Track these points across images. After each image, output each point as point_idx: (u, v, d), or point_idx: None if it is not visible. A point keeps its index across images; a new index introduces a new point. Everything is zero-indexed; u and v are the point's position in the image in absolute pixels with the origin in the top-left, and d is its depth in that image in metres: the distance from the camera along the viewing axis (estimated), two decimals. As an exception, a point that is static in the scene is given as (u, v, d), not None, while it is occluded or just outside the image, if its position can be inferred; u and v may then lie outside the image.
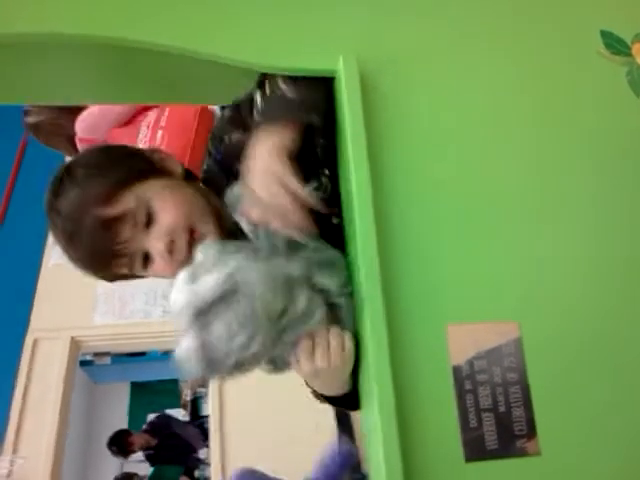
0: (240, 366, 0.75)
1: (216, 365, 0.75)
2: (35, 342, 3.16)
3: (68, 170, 0.87)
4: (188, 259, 0.83)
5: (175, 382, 5.26)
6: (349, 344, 0.79)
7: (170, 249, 0.85)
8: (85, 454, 5.00)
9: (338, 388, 0.85)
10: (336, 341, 0.78)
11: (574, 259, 0.88)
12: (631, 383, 0.84)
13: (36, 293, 3.34)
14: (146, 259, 0.87)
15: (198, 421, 4.40)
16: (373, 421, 0.76)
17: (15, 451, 2.84)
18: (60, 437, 2.96)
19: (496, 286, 0.84)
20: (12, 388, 3.00)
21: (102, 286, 3.36)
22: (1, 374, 3.05)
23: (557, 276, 0.86)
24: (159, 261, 0.87)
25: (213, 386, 3.12)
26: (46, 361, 3.12)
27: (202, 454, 4.03)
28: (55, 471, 2.86)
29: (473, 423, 0.78)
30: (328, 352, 0.78)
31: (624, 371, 0.84)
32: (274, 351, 0.78)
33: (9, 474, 2.78)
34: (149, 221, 0.86)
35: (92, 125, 1.85)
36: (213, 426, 3.00)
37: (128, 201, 0.84)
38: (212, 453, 2.96)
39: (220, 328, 0.73)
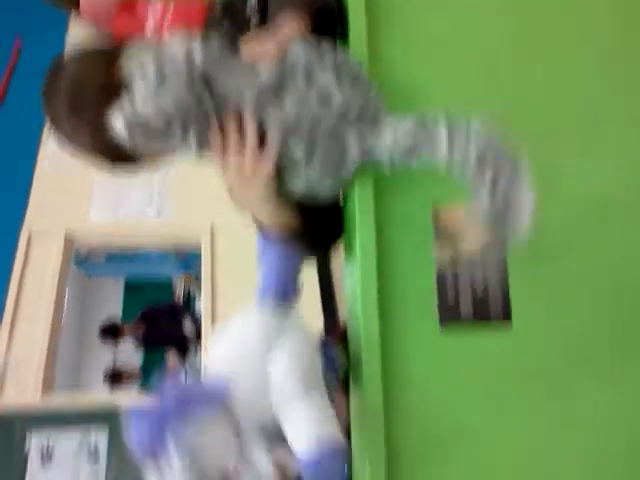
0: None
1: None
2: (30, 236, 3.21)
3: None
4: None
5: (168, 280, 5.39)
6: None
7: None
8: (79, 346, 5.16)
9: (262, 211, 0.88)
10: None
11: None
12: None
13: (32, 188, 3.35)
14: None
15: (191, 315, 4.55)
16: (354, 279, 0.82)
17: (11, 338, 2.97)
18: (55, 325, 3.07)
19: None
20: (7, 280, 3.09)
21: (98, 183, 3.38)
22: (-1, 265, 3.12)
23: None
24: None
25: (206, 284, 3.20)
26: (41, 255, 3.17)
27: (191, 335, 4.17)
28: (50, 358, 2.99)
29: (451, 294, 0.84)
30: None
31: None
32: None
33: (6, 361, 2.92)
34: None
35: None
36: (205, 324, 3.12)
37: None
38: (204, 347, 3.09)
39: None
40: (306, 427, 0.67)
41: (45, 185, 3.37)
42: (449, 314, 0.84)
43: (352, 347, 0.85)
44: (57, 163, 3.42)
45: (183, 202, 3.39)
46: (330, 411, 0.71)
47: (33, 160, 3.44)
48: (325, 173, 0.80)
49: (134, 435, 0.66)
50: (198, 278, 3.75)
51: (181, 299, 5.00)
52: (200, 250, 3.31)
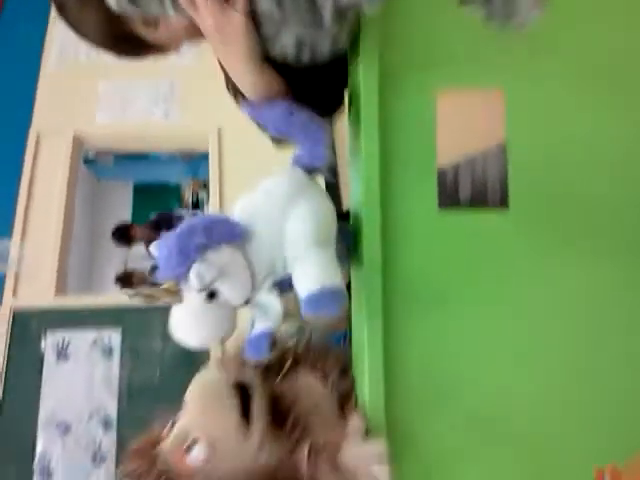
0: None
1: None
2: (38, 137, 3.18)
3: None
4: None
5: (177, 186, 5.39)
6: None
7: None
8: (91, 246, 5.24)
9: (248, 76, 0.86)
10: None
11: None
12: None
13: (38, 89, 3.30)
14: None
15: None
16: (358, 160, 0.83)
17: (24, 236, 3.00)
18: (66, 225, 3.10)
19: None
20: (18, 181, 3.09)
21: (104, 84, 3.32)
22: (6, 168, 3.11)
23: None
24: None
25: (214, 188, 3.20)
26: (50, 156, 3.17)
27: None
28: (62, 256, 3.03)
29: (450, 176, 0.84)
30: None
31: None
32: None
33: (20, 256, 2.96)
34: None
35: None
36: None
37: None
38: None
39: None
40: (311, 269, 0.69)
41: (51, 86, 3.32)
42: (448, 199, 0.84)
43: (353, 225, 0.86)
44: (62, 62, 3.35)
45: (191, 105, 3.33)
46: (337, 265, 0.73)
47: (38, 59, 3.36)
48: (301, 24, 0.78)
49: (161, 252, 0.67)
50: (206, 184, 3.74)
51: (190, 205, 5.01)
52: (208, 153, 3.28)
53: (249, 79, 0.87)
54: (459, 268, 0.84)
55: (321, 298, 0.68)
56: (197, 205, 4.99)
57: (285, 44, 0.82)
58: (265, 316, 0.72)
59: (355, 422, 0.76)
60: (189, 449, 0.71)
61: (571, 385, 0.84)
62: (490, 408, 0.83)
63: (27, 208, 3.05)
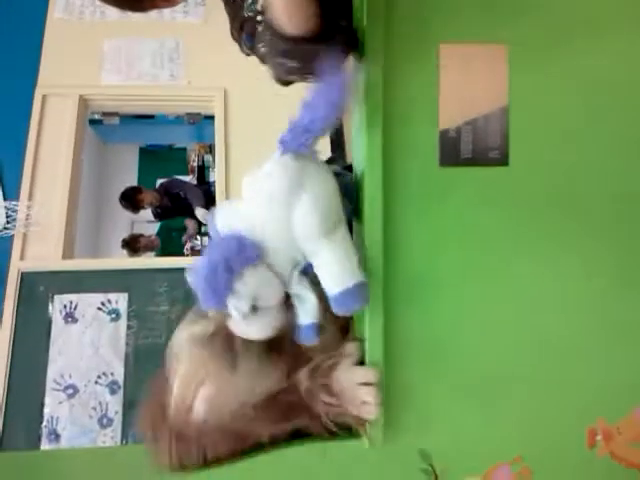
0: None
1: None
2: (44, 98, 3.15)
3: None
4: None
5: (183, 149, 5.36)
6: None
7: None
8: (98, 211, 5.25)
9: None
10: None
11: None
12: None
13: (42, 49, 3.25)
14: None
15: (205, 186, 4.56)
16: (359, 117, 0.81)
17: (31, 198, 2.99)
18: (73, 187, 3.09)
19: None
20: (24, 142, 3.07)
21: (108, 45, 3.26)
22: (12, 130, 3.09)
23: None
24: None
25: (220, 151, 3.17)
26: (56, 117, 3.14)
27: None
28: (70, 218, 3.03)
29: (452, 133, 0.83)
30: None
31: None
32: None
33: (27, 218, 2.96)
34: None
35: None
36: (219, 190, 3.12)
37: None
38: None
39: None
40: (331, 269, 0.73)
41: (56, 45, 3.27)
42: (449, 157, 0.84)
43: (356, 182, 0.86)
44: (66, 21, 3.29)
45: (196, 66, 3.28)
46: (351, 248, 0.74)
47: (42, 19, 3.30)
48: None
49: (198, 290, 0.70)
50: (212, 148, 3.70)
51: (195, 169, 4.99)
52: (213, 117, 3.25)
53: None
54: (458, 228, 0.84)
55: (347, 298, 0.72)
56: (203, 168, 4.97)
57: None
58: (303, 305, 0.74)
59: (349, 348, 0.80)
60: (189, 410, 0.76)
61: (564, 350, 0.84)
62: (486, 371, 0.84)
63: (34, 170, 3.03)
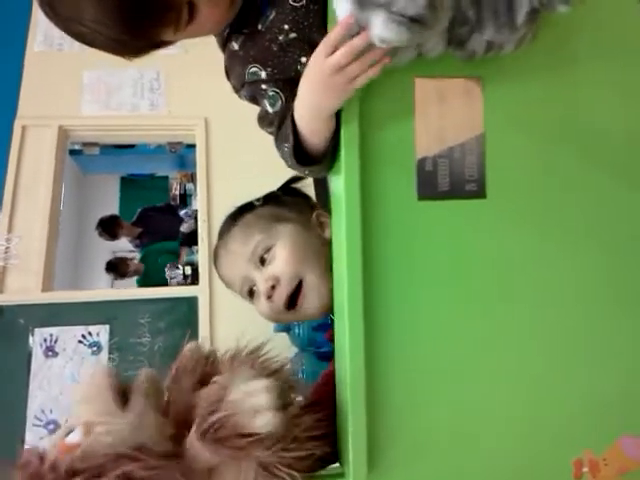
0: None
1: None
2: (24, 129, 3.13)
3: None
4: None
5: (165, 178, 5.35)
6: None
7: None
8: (77, 242, 5.20)
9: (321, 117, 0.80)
10: None
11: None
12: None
13: (22, 80, 3.24)
14: (191, 9, 0.81)
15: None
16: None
17: (10, 231, 2.95)
18: (53, 219, 3.04)
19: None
20: (3, 173, 3.04)
21: (88, 76, 3.26)
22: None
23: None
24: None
25: (201, 179, 3.17)
26: (35, 148, 3.11)
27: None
28: (49, 250, 2.99)
29: (429, 167, 0.84)
30: None
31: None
32: None
33: (6, 251, 2.91)
34: None
35: None
36: (201, 218, 3.11)
37: None
38: (200, 243, 3.10)
39: None
40: None
41: (35, 77, 3.26)
42: (427, 191, 0.85)
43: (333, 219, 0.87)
44: (46, 52, 3.29)
45: (177, 96, 3.28)
46: None
47: (22, 49, 3.30)
48: (495, 26, 0.77)
49: None
50: (194, 176, 3.70)
51: (177, 198, 4.98)
52: (194, 145, 3.25)
53: (315, 124, 0.81)
54: (438, 257, 0.84)
55: None
56: (184, 199, 4.96)
57: (476, 48, 0.80)
58: None
59: (241, 370, 0.79)
60: (67, 437, 0.72)
61: (549, 378, 0.85)
62: (471, 408, 0.83)
63: (13, 202, 2.99)
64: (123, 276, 4.13)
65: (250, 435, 0.71)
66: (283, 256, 1.00)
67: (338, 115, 0.81)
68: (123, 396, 0.74)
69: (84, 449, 0.69)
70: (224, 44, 0.99)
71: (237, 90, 0.99)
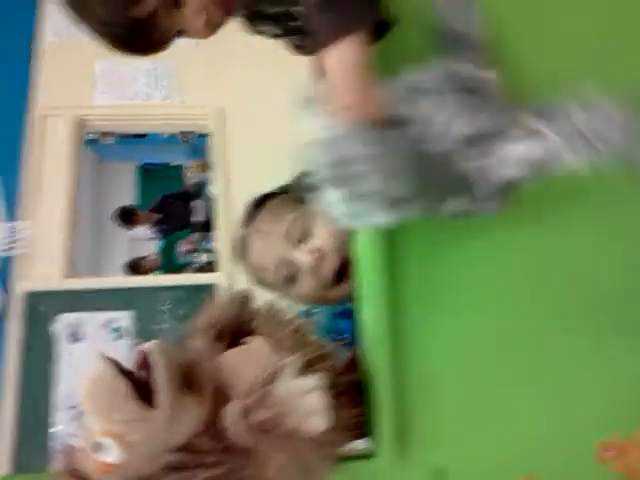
0: None
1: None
2: (40, 120, 3.16)
3: None
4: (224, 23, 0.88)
5: (179, 167, 5.37)
6: None
7: (208, 24, 0.87)
8: (97, 228, 5.24)
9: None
10: None
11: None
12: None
13: (36, 71, 3.27)
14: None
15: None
16: None
17: (31, 221, 3.00)
18: (71, 209, 3.11)
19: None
20: (22, 164, 3.09)
21: (100, 66, 3.29)
22: (9, 151, 3.11)
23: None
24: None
25: (219, 169, 3.20)
26: (52, 139, 3.15)
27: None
28: (70, 240, 3.05)
29: None
30: None
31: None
32: None
33: (26, 239, 2.97)
34: (178, 2, 0.83)
35: None
36: (220, 205, 3.16)
37: None
38: (219, 235, 3.14)
39: None
40: None
41: (48, 67, 3.29)
42: None
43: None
44: (57, 43, 3.31)
45: (191, 85, 3.30)
46: None
47: (32, 40, 3.33)
48: None
49: None
50: (207, 166, 3.72)
51: (192, 186, 5.00)
52: (207, 135, 3.27)
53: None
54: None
55: None
56: (200, 187, 4.98)
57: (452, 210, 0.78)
58: None
59: (289, 360, 0.72)
60: (99, 454, 0.64)
61: (579, 362, 0.85)
62: (498, 389, 0.85)
63: (33, 192, 3.05)
64: (141, 274, 4.19)
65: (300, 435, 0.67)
66: (326, 229, 0.96)
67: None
68: (143, 389, 0.65)
69: (125, 465, 0.63)
70: None
71: None
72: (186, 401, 0.66)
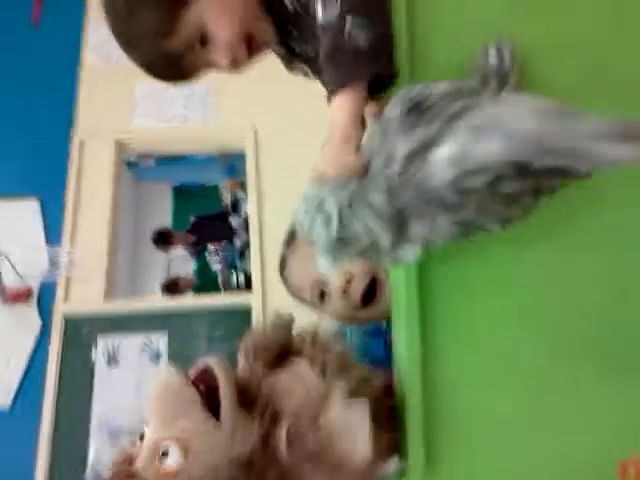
0: None
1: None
2: (81, 144, 3.24)
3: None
4: (250, 62, 0.90)
5: (215, 187, 5.43)
6: None
7: (233, 63, 0.88)
8: (134, 250, 5.33)
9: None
10: None
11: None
12: None
13: (78, 96, 3.35)
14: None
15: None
16: None
17: (73, 244, 3.06)
18: (113, 232, 3.17)
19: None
20: (64, 187, 3.16)
21: (140, 90, 3.35)
22: (53, 175, 3.19)
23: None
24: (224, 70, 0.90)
25: (252, 187, 3.21)
26: (93, 162, 3.23)
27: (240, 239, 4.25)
28: (110, 262, 3.10)
29: None
30: None
31: None
32: None
33: (70, 263, 3.02)
34: (205, 40, 0.85)
35: None
36: (252, 227, 3.15)
37: (186, 28, 0.83)
38: (252, 251, 3.14)
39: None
40: None
41: (90, 90, 3.37)
42: None
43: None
44: (99, 67, 3.39)
45: (226, 107, 3.34)
46: None
47: (77, 64, 3.41)
48: None
49: None
50: (244, 184, 3.76)
51: (229, 205, 5.05)
52: (243, 154, 3.30)
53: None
54: None
55: None
56: (235, 205, 5.03)
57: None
58: None
59: (338, 385, 0.72)
60: (162, 458, 0.64)
61: (601, 383, 0.83)
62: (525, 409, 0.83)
63: (74, 215, 3.10)
64: (176, 294, 4.23)
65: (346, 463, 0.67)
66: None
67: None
68: (210, 401, 0.66)
69: (186, 474, 0.63)
70: None
71: None
72: (246, 418, 0.66)
